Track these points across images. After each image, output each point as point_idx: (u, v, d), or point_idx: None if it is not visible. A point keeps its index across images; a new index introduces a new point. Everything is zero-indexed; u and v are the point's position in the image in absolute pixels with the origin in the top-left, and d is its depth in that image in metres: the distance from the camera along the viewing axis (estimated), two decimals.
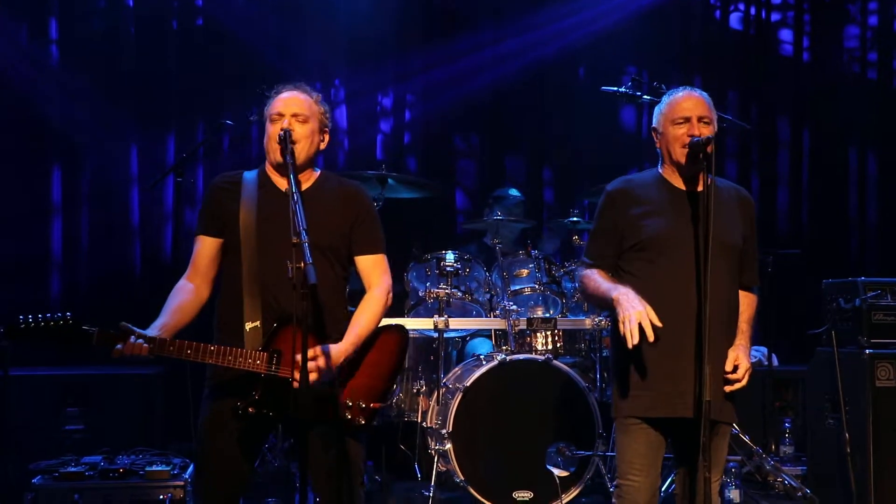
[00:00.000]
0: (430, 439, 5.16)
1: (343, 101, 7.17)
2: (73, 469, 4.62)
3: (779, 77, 7.76)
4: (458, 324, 5.39)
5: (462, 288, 5.57)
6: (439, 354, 5.30)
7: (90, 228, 6.68)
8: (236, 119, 5.78)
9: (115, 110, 6.68)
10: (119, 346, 3.34)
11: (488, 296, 5.68)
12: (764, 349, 6.38)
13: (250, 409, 3.46)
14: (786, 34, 7.89)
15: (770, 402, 6.18)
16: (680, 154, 3.75)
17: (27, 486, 4.56)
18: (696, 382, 3.57)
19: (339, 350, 3.54)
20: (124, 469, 4.65)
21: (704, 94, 3.86)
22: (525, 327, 5.33)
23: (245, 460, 3.63)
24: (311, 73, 6.97)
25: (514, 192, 6.59)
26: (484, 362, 5.10)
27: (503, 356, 5.04)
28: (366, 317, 3.66)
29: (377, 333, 3.71)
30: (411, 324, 5.33)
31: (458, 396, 4.94)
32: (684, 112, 3.77)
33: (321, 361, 3.48)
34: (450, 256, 5.44)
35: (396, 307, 5.63)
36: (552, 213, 7.25)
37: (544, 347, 5.52)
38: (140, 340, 3.36)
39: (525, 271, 5.70)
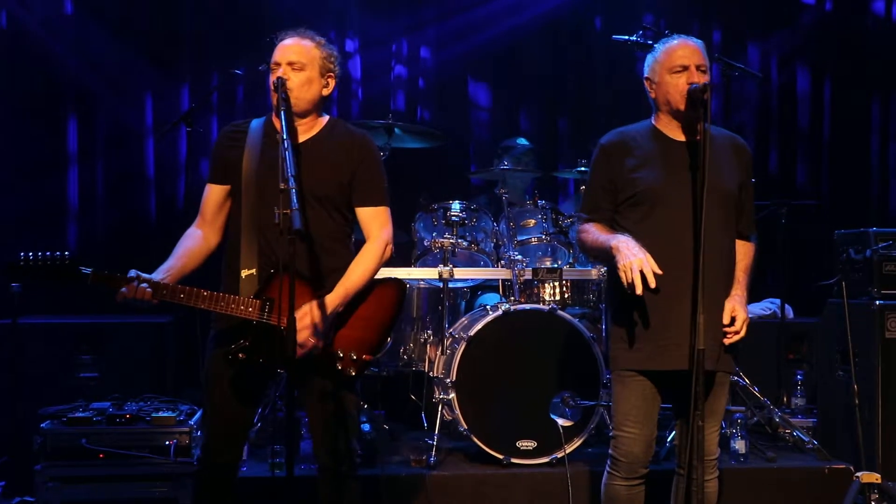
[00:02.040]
0: (435, 389, 5.18)
1: (357, 51, 7.11)
2: (80, 414, 4.70)
3: (800, 26, 7.60)
4: (463, 273, 5.38)
5: (468, 238, 5.54)
6: (444, 304, 5.29)
7: (105, 178, 6.71)
8: (252, 68, 5.75)
9: (129, 60, 6.68)
10: (123, 289, 3.40)
11: (495, 246, 5.65)
12: (777, 301, 6.33)
13: (241, 356, 3.51)
14: None
15: (783, 355, 6.14)
16: (679, 102, 3.71)
17: (37, 431, 4.66)
18: (691, 333, 3.56)
19: (328, 301, 3.55)
20: (131, 415, 4.72)
21: (699, 41, 3.83)
22: (530, 277, 5.31)
23: (243, 406, 3.68)
24: (325, 22, 6.94)
25: (522, 141, 6.52)
26: (489, 312, 5.09)
27: (507, 306, 5.03)
28: (359, 269, 3.66)
29: (372, 286, 3.72)
30: (416, 273, 5.34)
31: (462, 346, 4.95)
32: (682, 60, 3.73)
33: (312, 316, 3.50)
34: (455, 206, 5.41)
35: (404, 256, 5.66)
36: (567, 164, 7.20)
37: (552, 298, 5.50)
38: (144, 285, 3.41)
39: (532, 221, 5.66)
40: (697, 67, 3.70)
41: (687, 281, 3.61)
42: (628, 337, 3.73)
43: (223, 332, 3.64)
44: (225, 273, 3.70)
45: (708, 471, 3.80)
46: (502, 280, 5.50)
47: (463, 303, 5.88)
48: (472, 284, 5.88)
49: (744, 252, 3.88)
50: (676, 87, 3.71)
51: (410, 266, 5.56)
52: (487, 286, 5.97)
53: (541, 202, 5.63)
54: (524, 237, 5.62)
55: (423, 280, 5.53)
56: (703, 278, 3.48)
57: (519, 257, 5.33)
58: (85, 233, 6.67)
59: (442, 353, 5.22)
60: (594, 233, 3.76)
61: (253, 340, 3.51)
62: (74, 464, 4.59)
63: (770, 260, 5.96)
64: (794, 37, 7.61)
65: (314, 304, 3.52)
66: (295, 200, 3.13)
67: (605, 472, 3.88)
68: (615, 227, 3.79)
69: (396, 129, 5.51)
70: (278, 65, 3.65)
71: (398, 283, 3.82)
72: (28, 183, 6.47)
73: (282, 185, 3.18)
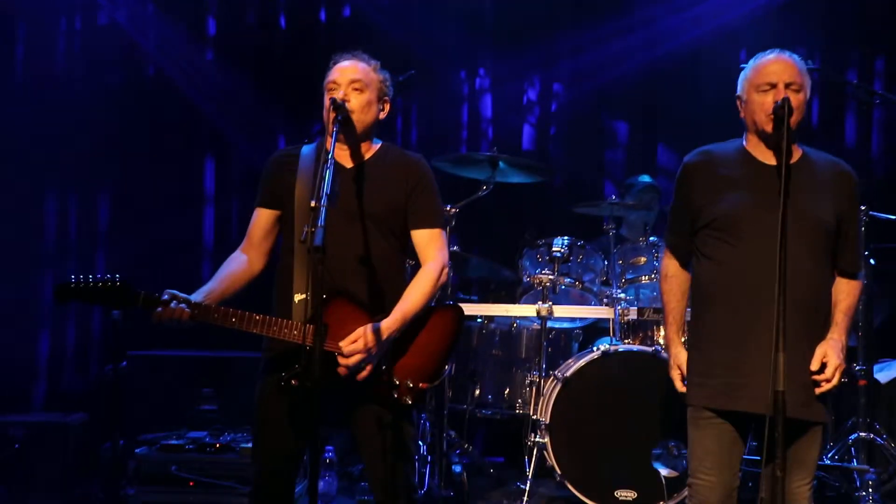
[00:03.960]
0: (532, 432, 4.96)
1: (488, 90, 7.05)
2: (174, 442, 4.80)
3: None
4: (563, 312, 5.14)
5: (573, 275, 5.31)
6: (541, 343, 5.07)
7: (239, 216, 6.91)
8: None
9: (264, 104, 6.90)
10: (159, 309, 3.39)
11: (604, 286, 5.39)
12: None
13: (293, 382, 3.42)
14: None
15: None
16: (765, 122, 3.41)
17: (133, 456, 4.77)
18: (768, 373, 3.20)
19: (384, 326, 3.44)
20: (221, 444, 4.77)
21: (795, 56, 3.51)
22: (636, 318, 5.02)
23: (295, 435, 3.59)
24: (454, 62, 6.93)
25: (644, 178, 6.25)
26: (591, 353, 4.84)
27: (607, 346, 4.76)
28: (415, 293, 3.53)
29: (430, 312, 3.59)
30: (514, 311, 5.16)
31: (558, 387, 4.72)
32: (770, 77, 3.43)
33: (366, 340, 3.39)
34: (558, 241, 5.20)
35: (511, 294, 5.49)
36: None
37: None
38: (182, 305, 3.38)
39: (643, 259, 5.32)
40: (788, 85, 3.39)
41: (765, 317, 3.26)
42: (698, 372, 3.44)
43: (274, 360, 3.57)
44: (276, 299, 3.65)
45: None
46: (618, 321, 5.19)
47: (576, 345, 5.62)
48: (580, 326, 5.62)
49: (846, 291, 3.49)
50: (762, 106, 3.41)
51: (515, 303, 5.37)
52: (602, 328, 5.69)
53: (652, 238, 5.31)
54: (633, 275, 5.32)
55: (527, 319, 5.33)
56: (780, 315, 3.13)
57: (622, 295, 5.05)
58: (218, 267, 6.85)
59: (540, 395, 4.98)
60: (666, 302, 3.66)
61: (306, 366, 3.43)
62: (164, 490, 4.67)
63: None
64: None
65: (368, 327, 3.41)
66: (322, 218, 3.05)
67: None
68: (696, 254, 3.51)
69: (501, 163, 5.36)
70: (338, 84, 3.60)
71: (456, 308, 3.68)
72: (167, 220, 6.74)
73: (312, 203, 3.11)
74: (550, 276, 5.10)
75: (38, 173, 6.76)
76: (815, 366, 3.33)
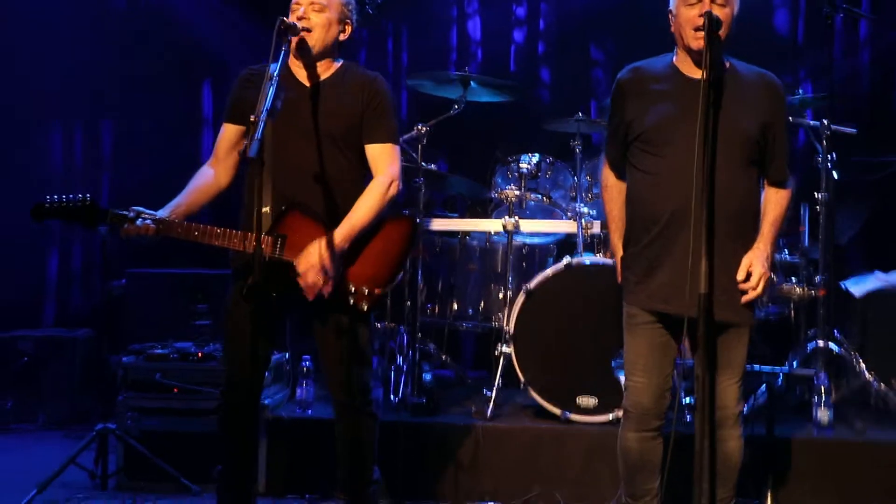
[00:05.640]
0: (498, 341, 5.16)
1: (476, 12, 7.12)
2: (159, 351, 5.06)
3: None
4: (529, 226, 5.30)
5: (542, 191, 5.44)
6: (507, 257, 5.24)
7: None
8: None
9: (262, 28, 6.99)
10: (126, 225, 3.60)
11: (575, 202, 5.51)
12: None
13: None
14: None
15: None
16: (691, 38, 3.51)
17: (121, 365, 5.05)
18: (705, 279, 3.35)
19: (333, 240, 3.63)
20: (203, 354, 5.02)
21: None
22: (598, 231, 5.16)
23: (260, 340, 3.78)
24: None
25: None
26: (557, 266, 5.00)
27: (570, 259, 4.92)
28: (364, 205, 3.72)
29: (384, 222, 3.78)
30: (482, 225, 5.32)
31: (522, 298, 4.90)
32: None
33: (320, 254, 3.58)
34: (525, 157, 5.33)
35: (481, 209, 5.66)
36: None
37: None
38: (148, 221, 3.60)
39: None
40: (711, 0, 3.46)
41: (689, 224, 3.41)
42: (634, 275, 3.61)
43: (239, 270, 3.78)
44: (243, 212, 3.85)
45: (727, 426, 3.60)
46: (581, 235, 5.32)
47: (550, 261, 5.76)
48: (552, 241, 5.75)
49: (774, 201, 3.62)
50: (688, 21, 3.50)
51: (488, 217, 5.55)
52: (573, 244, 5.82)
53: None
54: (599, 190, 5.41)
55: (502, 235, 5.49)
56: (702, 222, 3.27)
57: (585, 209, 5.19)
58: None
59: (506, 306, 5.17)
60: (608, 210, 3.83)
61: (266, 275, 3.62)
62: (151, 396, 4.94)
63: None
64: None
65: (322, 241, 3.61)
66: (260, 132, 3.20)
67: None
68: (629, 167, 3.66)
69: (472, 83, 5.48)
70: (299, 5, 3.75)
71: (409, 218, 3.90)
72: (165, 146, 6.94)
73: (251, 118, 3.27)
74: (517, 192, 5.23)
75: (43, 101, 6.97)
76: (740, 275, 3.48)
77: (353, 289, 3.71)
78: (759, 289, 3.48)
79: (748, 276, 3.47)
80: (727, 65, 3.59)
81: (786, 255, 5.40)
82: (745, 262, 3.49)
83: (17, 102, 6.79)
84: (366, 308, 3.73)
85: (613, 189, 3.80)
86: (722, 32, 3.45)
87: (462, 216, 5.88)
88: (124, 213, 3.60)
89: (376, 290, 3.74)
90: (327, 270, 3.59)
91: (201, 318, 5.90)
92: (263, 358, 3.93)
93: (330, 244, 3.62)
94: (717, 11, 3.45)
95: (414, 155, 5.24)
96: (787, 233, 5.43)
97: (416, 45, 7.24)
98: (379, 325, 5.56)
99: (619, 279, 3.75)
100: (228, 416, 3.84)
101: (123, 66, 6.99)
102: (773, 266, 5.50)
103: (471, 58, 7.08)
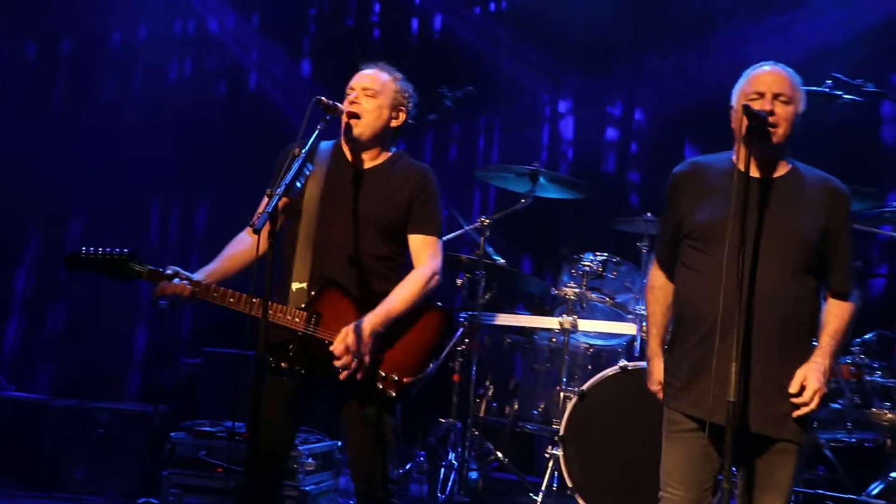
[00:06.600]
0: (549, 444, 4.96)
1: (570, 111, 7.10)
2: (207, 429, 5.06)
3: None
4: (587, 326, 5.12)
5: (605, 291, 5.28)
6: (563, 357, 5.07)
7: None
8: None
9: None
10: (163, 283, 3.60)
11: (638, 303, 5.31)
12: None
13: (283, 364, 3.58)
14: None
15: None
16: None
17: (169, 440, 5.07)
18: (734, 386, 3.13)
19: (366, 323, 3.56)
20: None
21: (790, 69, 3.40)
22: None
23: (285, 419, 3.73)
24: (539, 81, 7.02)
25: None
26: (612, 368, 4.81)
27: (626, 363, 4.72)
28: (400, 293, 3.66)
29: (420, 312, 3.71)
30: (537, 322, 5.19)
31: (574, 400, 4.72)
32: (759, 87, 3.33)
33: (352, 335, 3.53)
34: (588, 256, 5.19)
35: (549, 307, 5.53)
36: None
37: None
38: (184, 282, 3.59)
39: None
40: (776, 96, 3.29)
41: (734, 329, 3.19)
42: (675, 378, 3.39)
43: (270, 346, 3.75)
44: (276, 286, 3.83)
45: None
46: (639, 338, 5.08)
47: None
48: (619, 343, 5.52)
49: (835, 314, 3.35)
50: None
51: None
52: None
53: None
54: None
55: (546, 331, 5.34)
56: (740, 325, 3.08)
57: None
58: None
59: (560, 409, 4.98)
60: (651, 316, 3.60)
61: (296, 351, 3.58)
62: (194, 474, 4.94)
63: None
64: None
65: (353, 325, 3.55)
66: (272, 206, 3.18)
67: None
68: (678, 265, 3.47)
69: (541, 178, 5.40)
70: (352, 90, 3.78)
71: (444, 309, 3.80)
72: None
73: (268, 191, 3.26)
74: (576, 290, 5.08)
75: (146, 178, 7.24)
76: (794, 388, 3.21)
77: (382, 374, 3.63)
78: (813, 404, 3.20)
79: (801, 389, 3.21)
80: (787, 166, 3.40)
81: (878, 377, 5.04)
82: (800, 374, 3.22)
83: (124, 177, 7.07)
84: (393, 395, 3.64)
85: (659, 290, 3.60)
86: (781, 131, 3.27)
87: (532, 313, 5.75)
88: (161, 269, 3.62)
89: (405, 379, 3.64)
90: (363, 353, 3.53)
91: None
92: (287, 435, 3.84)
93: (367, 327, 3.56)
94: (780, 109, 3.27)
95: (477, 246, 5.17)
96: (880, 354, 5.08)
97: (507, 143, 7.22)
98: (443, 421, 5.43)
99: (650, 384, 3.54)
100: (250, 499, 3.76)
101: (222, 147, 7.21)
102: (862, 388, 5.20)
103: (560, 157, 7.01)
